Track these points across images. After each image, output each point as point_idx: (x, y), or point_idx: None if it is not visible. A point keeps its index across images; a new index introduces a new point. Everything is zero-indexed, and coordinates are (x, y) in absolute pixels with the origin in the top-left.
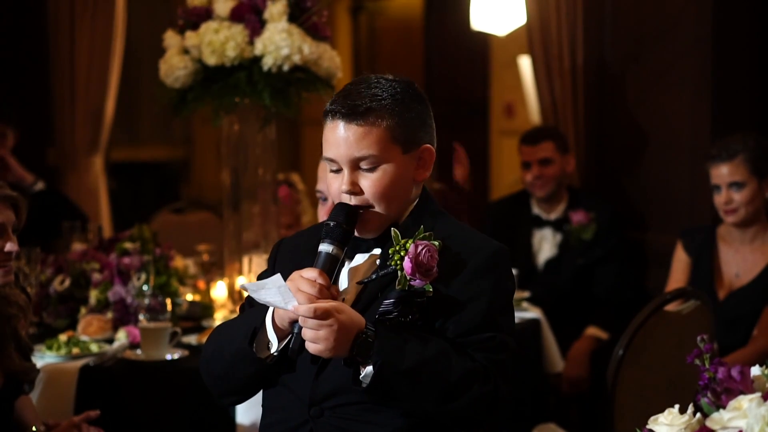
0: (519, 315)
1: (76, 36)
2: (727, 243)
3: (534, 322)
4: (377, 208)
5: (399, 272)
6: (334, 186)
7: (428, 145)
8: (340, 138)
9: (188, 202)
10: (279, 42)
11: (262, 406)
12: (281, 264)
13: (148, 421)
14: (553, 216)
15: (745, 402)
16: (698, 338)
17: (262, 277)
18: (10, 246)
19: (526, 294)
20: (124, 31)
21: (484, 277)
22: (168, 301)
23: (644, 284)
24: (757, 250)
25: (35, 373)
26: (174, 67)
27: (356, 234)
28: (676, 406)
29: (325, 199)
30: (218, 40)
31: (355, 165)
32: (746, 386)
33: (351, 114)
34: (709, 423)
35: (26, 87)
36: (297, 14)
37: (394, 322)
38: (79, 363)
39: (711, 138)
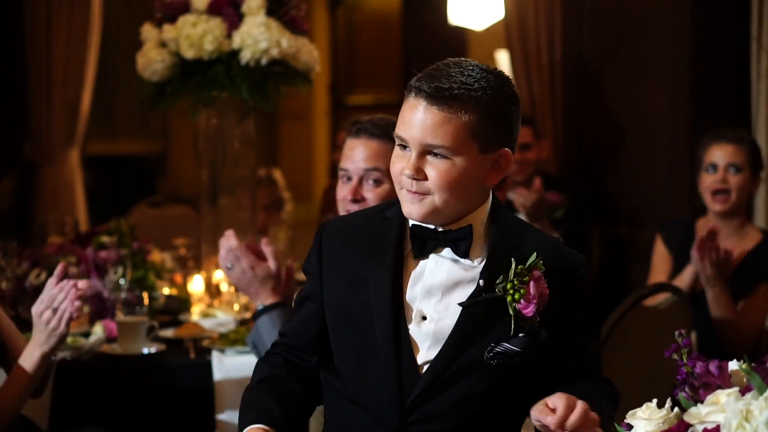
0: None
1: (52, 28)
2: None
3: None
4: (437, 199)
5: (511, 309)
6: (397, 165)
7: (507, 150)
8: (417, 119)
9: (165, 195)
10: (257, 36)
11: (325, 418)
12: (330, 254)
13: (125, 415)
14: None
15: (723, 396)
16: (676, 333)
17: (308, 270)
18: None
19: None
20: (101, 23)
21: (577, 295)
22: (145, 295)
23: (621, 279)
24: (736, 245)
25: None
26: (151, 61)
27: (415, 221)
28: (654, 401)
29: (349, 179)
30: (196, 34)
31: (425, 150)
32: (724, 381)
33: (435, 96)
34: (686, 417)
35: (2, 80)
36: (275, 8)
37: (506, 361)
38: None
39: (689, 133)
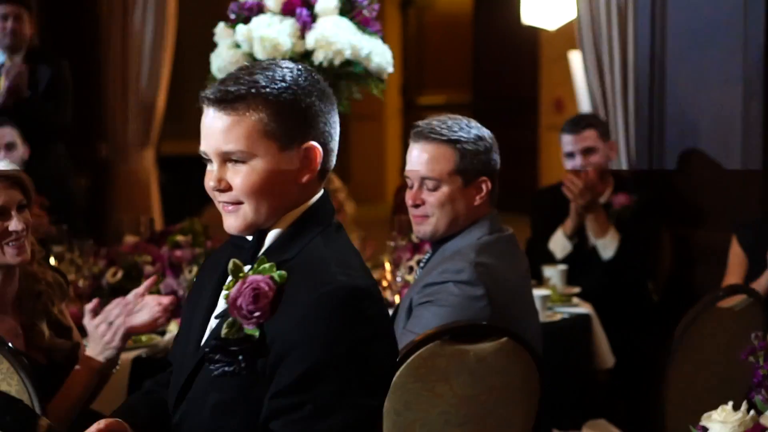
0: (569, 311)
1: (128, 30)
2: None
3: (584, 318)
4: (248, 207)
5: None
6: (206, 181)
7: (312, 143)
8: (209, 128)
9: None
10: (330, 36)
11: None
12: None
13: None
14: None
15: None
16: (752, 335)
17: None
18: (14, 225)
19: (577, 290)
20: (176, 24)
21: (317, 320)
22: None
23: (693, 281)
24: None
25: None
26: (225, 61)
27: (230, 232)
28: (730, 403)
29: (411, 186)
30: (269, 35)
31: (223, 159)
32: None
33: (220, 101)
34: (763, 420)
35: (78, 81)
36: (348, 8)
37: (221, 372)
38: (132, 354)
39: (762, 134)
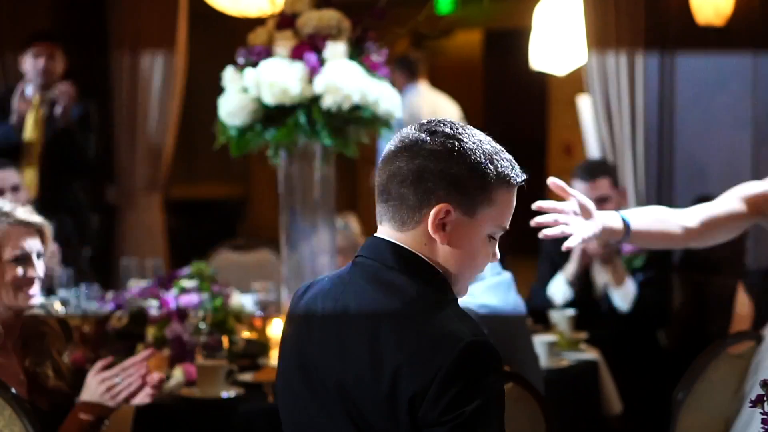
0: (576, 357)
1: (138, 73)
2: None
3: (591, 364)
4: None
5: None
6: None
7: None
8: None
9: (247, 239)
10: (339, 81)
11: None
12: None
13: None
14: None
15: None
16: (760, 382)
17: None
18: (35, 272)
19: (584, 335)
20: (185, 68)
21: None
22: (225, 339)
23: (706, 327)
24: None
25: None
26: (233, 106)
27: None
28: None
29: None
30: (278, 79)
31: None
32: None
33: None
34: None
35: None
36: (356, 53)
37: None
38: None
39: None
